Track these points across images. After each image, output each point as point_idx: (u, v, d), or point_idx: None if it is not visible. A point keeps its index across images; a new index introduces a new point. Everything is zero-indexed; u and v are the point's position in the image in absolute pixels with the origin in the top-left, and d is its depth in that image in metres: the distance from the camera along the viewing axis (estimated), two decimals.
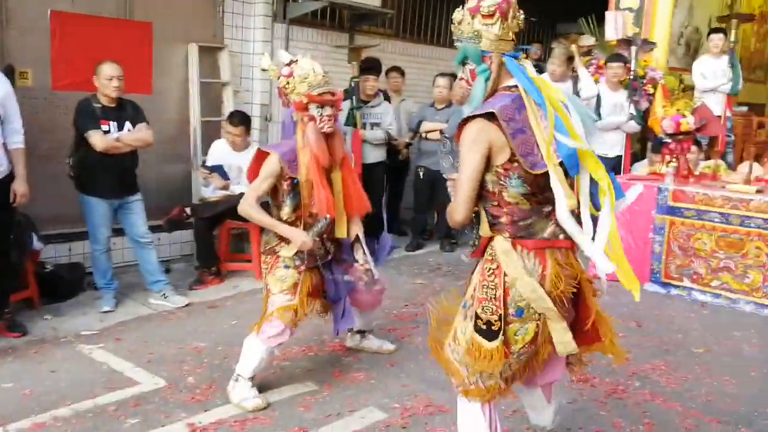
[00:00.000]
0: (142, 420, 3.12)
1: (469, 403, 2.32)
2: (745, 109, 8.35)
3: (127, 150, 4.55)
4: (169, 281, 4.91)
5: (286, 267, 3.38)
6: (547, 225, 2.24)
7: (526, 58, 2.34)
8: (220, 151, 5.43)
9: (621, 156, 6.39)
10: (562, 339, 2.23)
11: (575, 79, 6.22)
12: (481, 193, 2.25)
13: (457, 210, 2.22)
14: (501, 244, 2.23)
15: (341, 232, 3.51)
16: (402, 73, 6.96)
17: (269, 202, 3.52)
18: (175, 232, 5.58)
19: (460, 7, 2.28)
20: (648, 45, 6.44)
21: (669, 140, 5.50)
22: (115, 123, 4.49)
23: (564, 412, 2.84)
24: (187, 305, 4.76)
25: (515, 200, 2.21)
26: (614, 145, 6.32)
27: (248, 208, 3.36)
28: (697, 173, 5.71)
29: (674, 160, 5.45)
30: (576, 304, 2.31)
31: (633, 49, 6.24)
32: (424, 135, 6.49)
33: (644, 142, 6.94)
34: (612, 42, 6.61)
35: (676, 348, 4.18)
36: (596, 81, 6.54)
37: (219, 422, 3.12)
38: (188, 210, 5.40)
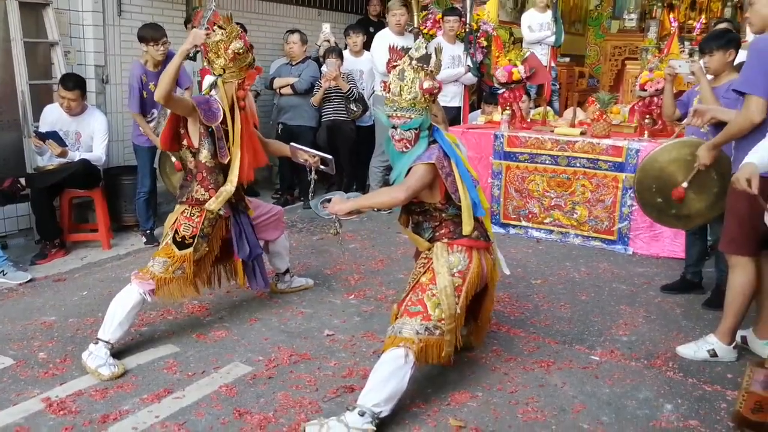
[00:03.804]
0: None
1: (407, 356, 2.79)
2: (567, 59, 9.05)
3: None
4: (8, 257, 4.59)
5: (203, 236, 3.51)
6: (473, 230, 3.03)
7: None
8: (55, 116, 5.09)
9: (460, 107, 6.73)
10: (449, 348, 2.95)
11: (415, 35, 6.43)
12: (426, 218, 3.10)
13: (403, 191, 2.91)
14: (441, 246, 3.03)
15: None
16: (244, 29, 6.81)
17: (186, 154, 3.56)
18: (9, 206, 5.19)
19: (411, 84, 2.93)
20: None
21: (502, 90, 5.85)
22: None
23: None
24: (30, 281, 4.49)
25: (451, 217, 3.06)
26: (454, 97, 6.64)
27: (161, 85, 3.31)
28: (528, 120, 6.15)
29: (508, 108, 5.82)
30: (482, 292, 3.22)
31: (467, 2, 6.52)
32: (278, 92, 6.47)
33: (480, 93, 7.32)
34: None
35: (517, 281, 4.57)
36: (434, 35, 6.80)
37: (77, 394, 3.03)
38: (23, 181, 5.04)
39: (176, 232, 3.48)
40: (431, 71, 3.00)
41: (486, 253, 3.14)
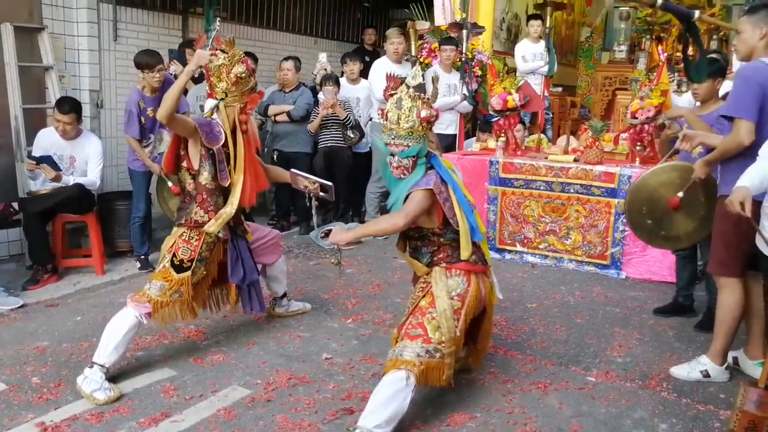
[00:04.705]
0: None
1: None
2: (559, 89, 9.17)
3: None
4: None
5: (200, 260, 3.49)
6: (471, 254, 3.05)
7: None
8: (49, 141, 5.07)
9: (456, 134, 6.79)
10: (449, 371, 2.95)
11: (413, 64, 6.50)
12: (425, 243, 3.12)
13: (403, 217, 2.93)
14: (439, 271, 3.05)
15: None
16: (255, 59, 6.91)
17: (185, 176, 3.55)
18: (1, 231, 5.16)
19: (409, 112, 2.99)
20: (477, 29, 6.83)
21: (497, 117, 5.92)
22: None
23: None
24: (21, 306, 4.43)
25: (449, 242, 3.08)
26: (449, 124, 6.71)
27: (164, 103, 3.31)
28: (523, 147, 6.21)
29: (503, 135, 5.89)
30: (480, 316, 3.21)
31: (464, 32, 6.61)
32: (273, 119, 6.51)
33: (475, 121, 7.40)
34: (443, 27, 6.96)
35: (513, 305, 4.58)
36: (429, 64, 6.89)
37: (73, 418, 2.99)
38: (15, 205, 5.01)
39: (174, 255, 3.47)
40: (428, 99, 3.05)
41: (484, 276, 3.16)
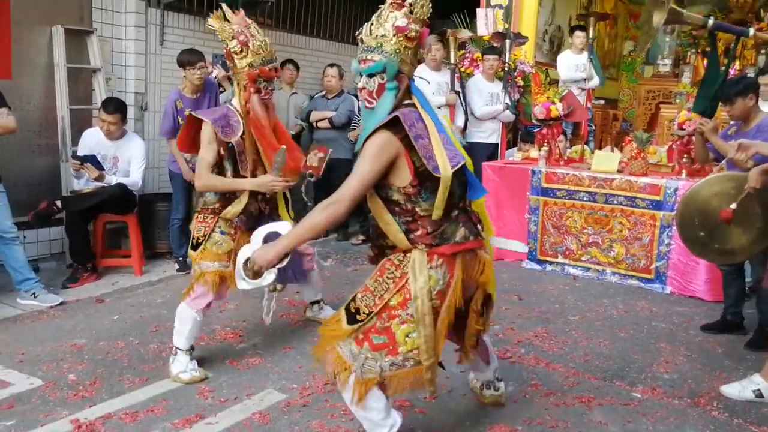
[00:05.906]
0: (18, 421, 2.91)
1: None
2: (602, 102, 9.03)
3: None
4: (39, 280, 4.57)
5: (222, 233, 3.45)
6: (458, 228, 2.41)
7: None
8: (94, 140, 5.13)
9: (498, 144, 6.70)
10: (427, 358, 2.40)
11: (452, 71, 6.43)
12: (394, 210, 2.38)
13: (342, 203, 2.30)
14: (419, 258, 2.36)
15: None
16: (297, 67, 6.95)
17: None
18: (43, 230, 5.23)
19: (384, 21, 2.36)
20: (520, 39, 6.75)
21: (540, 126, 5.83)
22: None
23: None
24: (60, 304, 4.46)
25: (428, 213, 2.35)
26: (492, 133, 6.62)
27: (207, 181, 3.35)
28: (565, 158, 6.09)
29: (546, 144, 5.79)
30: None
31: (507, 42, 6.54)
32: (315, 125, 6.51)
33: (515, 131, 7.31)
34: (486, 37, 6.90)
35: (555, 317, 4.46)
36: (471, 73, 6.82)
37: (107, 416, 2.97)
38: (58, 203, 5.07)
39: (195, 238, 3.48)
40: (420, 13, 2.39)
41: (474, 255, 2.47)
